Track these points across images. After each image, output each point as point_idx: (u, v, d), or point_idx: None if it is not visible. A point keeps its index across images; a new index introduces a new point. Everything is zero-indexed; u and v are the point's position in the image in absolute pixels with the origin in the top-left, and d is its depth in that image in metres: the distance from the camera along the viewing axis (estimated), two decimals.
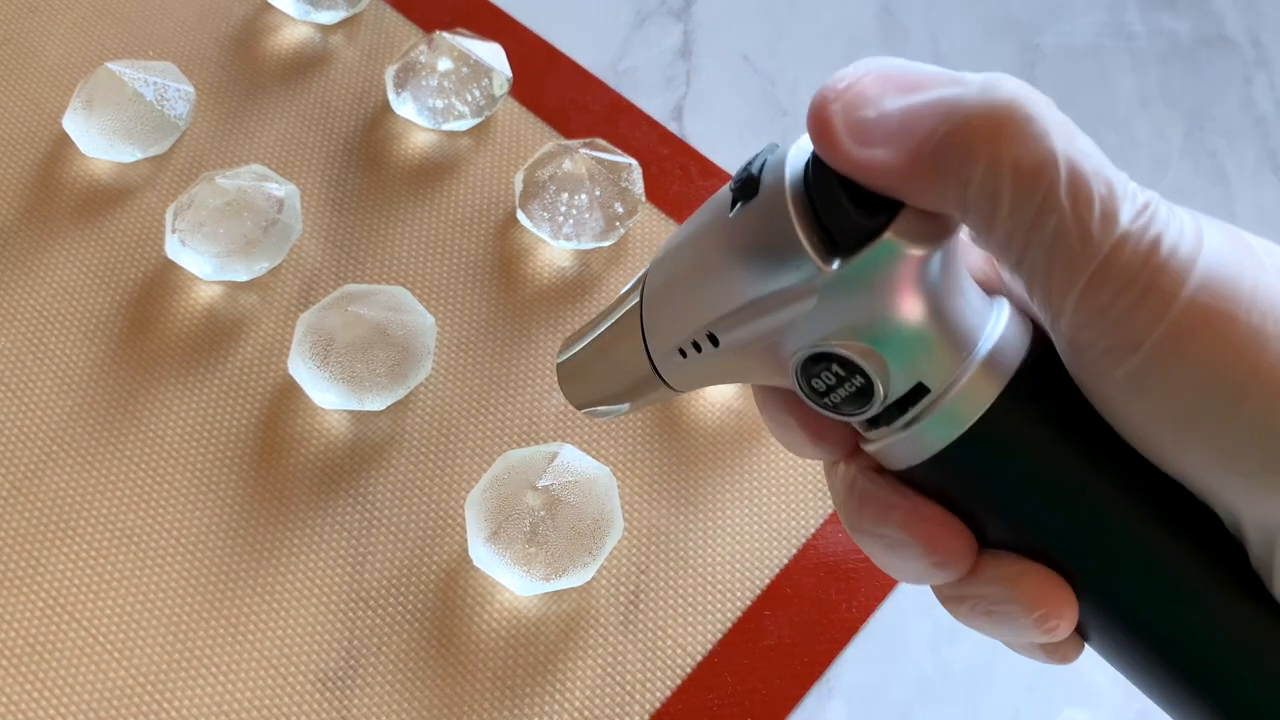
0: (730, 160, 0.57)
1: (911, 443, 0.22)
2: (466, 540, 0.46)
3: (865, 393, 0.22)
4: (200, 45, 0.58)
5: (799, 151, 0.22)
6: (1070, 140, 0.19)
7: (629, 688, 0.44)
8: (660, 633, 0.45)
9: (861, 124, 0.20)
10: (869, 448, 0.24)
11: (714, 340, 0.24)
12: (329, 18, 0.58)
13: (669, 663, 0.45)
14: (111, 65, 0.54)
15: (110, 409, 0.49)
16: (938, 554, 0.23)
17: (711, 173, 0.56)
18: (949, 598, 0.24)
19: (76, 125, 0.53)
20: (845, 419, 0.23)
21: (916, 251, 0.21)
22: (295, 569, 0.46)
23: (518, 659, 0.45)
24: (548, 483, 0.44)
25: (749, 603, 0.46)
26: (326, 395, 0.48)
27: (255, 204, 0.50)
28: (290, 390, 0.49)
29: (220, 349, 0.50)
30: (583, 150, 0.52)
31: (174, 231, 0.50)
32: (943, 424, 0.22)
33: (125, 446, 0.48)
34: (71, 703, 0.43)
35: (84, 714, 0.43)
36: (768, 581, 0.47)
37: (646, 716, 0.44)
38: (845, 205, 0.21)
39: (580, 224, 0.52)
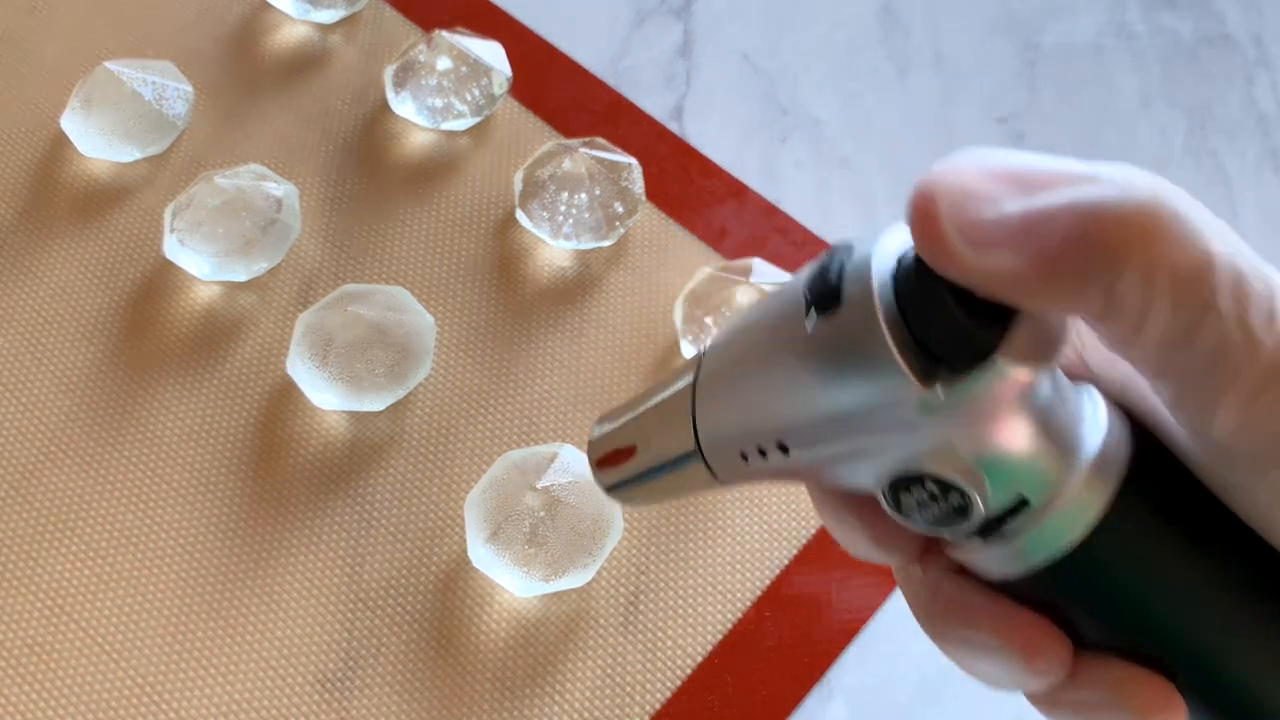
0: (730, 160, 0.57)
1: (1010, 556, 0.21)
2: (466, 541, 0.46)
3: (961, 511, 0.20)
4: (199, 45, 0.58)
5: (883, 254, 0.20)
6: (1224, 238, 0.18)
7: (629, 688, 0.44)
8: (660, 633, 0.45)
9: (977, 225, 0.18)
10: (957, 555, 0.22)
11: (784, 449, 0.22)
12: (328, 17, 0.58)
13: (669, 663, 0.45)
14: (110, 65, 0.53)
15: (108, 409, 0.49)
16: (1037, 661, 0.21)
17: (711, 172, 0.56)
18: (1042, 701, 0.22)
19: (75, 125, 0.53)
20: (933, 534, 0.21)
21: (1028, 371, 0.19)
22: (294, 569, 0.46)
23: (517, 660, 0.45)
24: (547, 483, 0.44)
25: (749, 603, 0.46)
26: (325, 395, 0.47)
27: (254, 203, 0.50)
28: (289, 390, 0.49)
29: (219, 349, 0.50)
30: (582, 150, 0.52)
31: (172, 231, 0.50)
32: (1048, 537, 0.20)
33: (124, 447, 0.48)
34: (70, 703, 0.43)
35: (82, 714, 0.43)
36: (768, 582, 0.46)
37: (646, 717, 0.44)
38: (953, 317, 0.19)
39: (580, 223, 0.52)
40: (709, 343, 0.24)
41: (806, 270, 0.21)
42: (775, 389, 0.21)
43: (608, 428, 0.26)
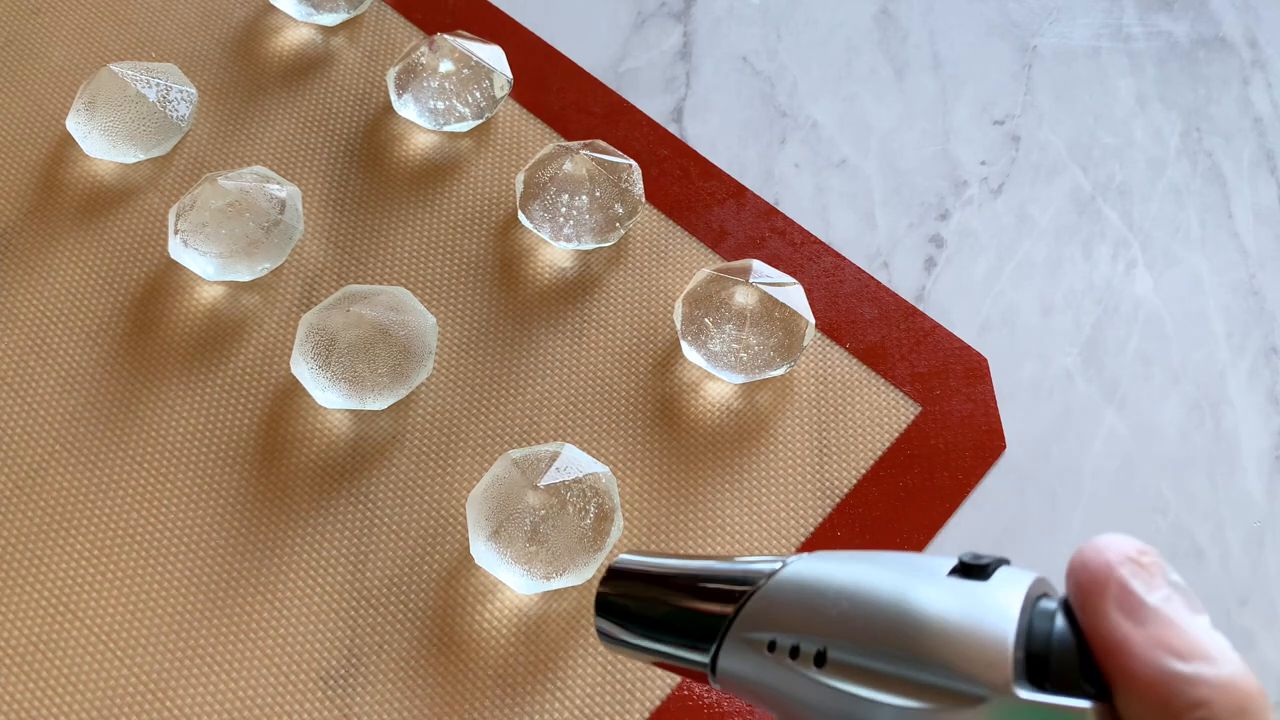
0: (729, 161, 0.57)
1: None
2: (468, 539, 0.46)
3: None
4: (202, 47, 0.58)
5: (1036, 584, 0.22)
6: None
7: (629, 685, 0.45)
8: None
9: (1139, 604, 0.21)
10: None
11: (820, 660, 0.22)
12: (331, 19, 0.58)
13: None
14: (114, 67, 0.54)
15: (113, 409, 0.49)
16: None
17: (710, 173, 0.56)
18: None
19: (79, 126, 0.53)
20: None
21: None
22: (297, 568, 0.46)
23: (519, 657, 0.45)
24: (548, 482, 0.44)
25: None
26: (328, 395, 0.48)
27: (257, 205, 0.50)
28: (292, 390, 0.50)
29: (222, 349, 0.50)
30: (583, 151, 0.52)
31: (176, 232, 0.50)
32: None
33: (128, 446, 0.48)
34: (74, 701, 0.43)
35: (87, 712, 0.43)
36: None
37: (646, 714, 0.44)
38: (1077, 653, 0.21)
39: (580, 224, 0.52)
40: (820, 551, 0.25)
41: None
42: (876, 604, 0.22)
43: (633, 565, 0.26)
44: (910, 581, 0.22)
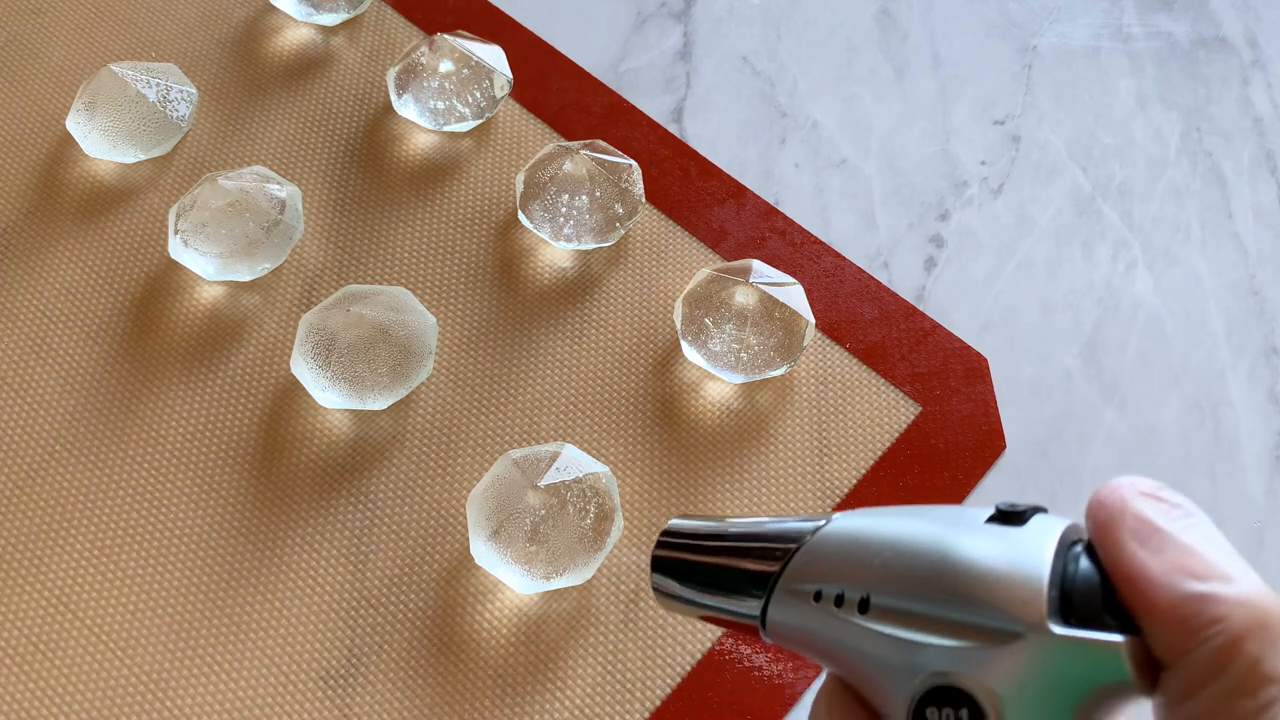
0: (729, 161, 0.57)
1: None
2: (468, 539, 0.46)
3: None
4: (202, 47, 0.58)
5: (1070, 529, 0.23)
6: None
7: (629, 685, 0.45)
8: (660, 631, 0.46)
9: (1154, 531, 0.22)
10: None
11: (864, 606, 0.23)
12: (331, 19, 0.58)
13: (669, 660, 0.45)
14: (114, 67, 0.54)
15: (113, 408, 0.49)
16: None
17: (710, 173, 0.56)
18: None
19: (79, 126, 0.53)
20: None
21: (1127, 679, 0.21)
22: (297, 567, 0.46)
23: (519, 657, 0.45)
24: (548, 482, 0.44)
25: None
26: (328, 395, 0.48)
27: (257, 205, 0.51)
28: (292, 390, 0.50)
29: (223, 349, 0.50)
30: (583, 151, 0.52)
31: (176, 232, 0.50)
32: None
33: (128, 446, 0.48)
34: (74, 701, 0.43)
35: (87, 712, 0.43)
36: None
37: (646, 714, 0.44)
38: (1101, 590, 0.22)
39: (580, 224, 0.52)
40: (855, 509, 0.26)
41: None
42: (914, 549, 0.23)
43: (688, 525, 0.28)
44: (949, 530, 0.23)
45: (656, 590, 0.28)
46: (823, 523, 0.26)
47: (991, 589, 0.22)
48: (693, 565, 0.27)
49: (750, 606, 0.26)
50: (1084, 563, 0.22)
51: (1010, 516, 0.23)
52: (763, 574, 0.26)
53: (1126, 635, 0.21)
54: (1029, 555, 0.22)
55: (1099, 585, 0.22)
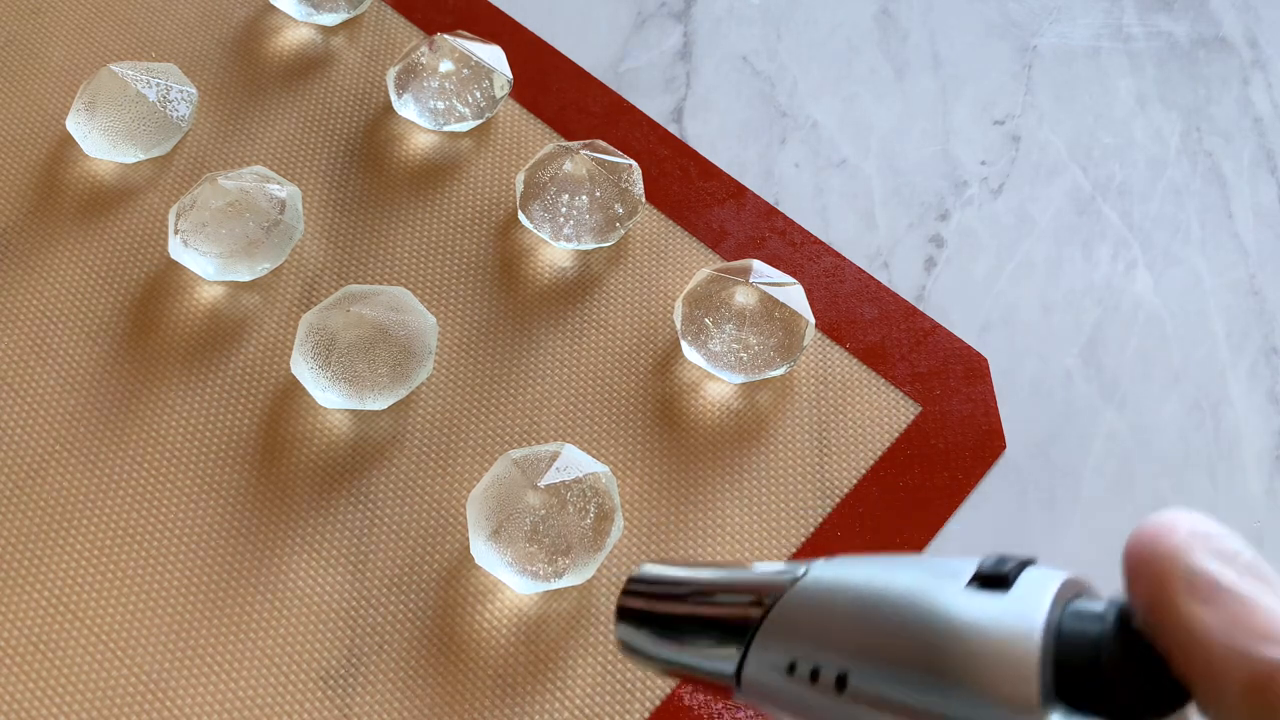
0: (729, 161, 0.57)
1: None
2: (468, 539, 0.46)
3: None
4: (202, 47, 0.58)
5: (1066, 585, 0.20)
6: None
7: (629, 685, 0.45)
8: None
9: (1213, 588, 0.19)
10: None
11: (841, 685, 0.21)
12: (331, 19, 0.58)
13: None
14: (114, 67, 0.54)
15: (113, 408, 0.49)
16: None
17: (710, 173, 0.56)
18: None
19: (79, 126, 0.53)
20: None
21: None
22: (297, 567, 0.46)
23: (518, 657, 0.45)
24: (548, 482, 0.44)
25: None
26: (328, 395, 0.48)
27: (257, 205, 0.51)
28: (292, 390, 0.50)
29: (222, 349, 0.51)
30: (583, 151, 0.52)
31: (176, 232, 0.50)
32: None
33: (128, 446, 0.48)
34: (74, 701, 0.43)
35: (86, 712, 0.43)
36: None
37: (646, 714, 0.44)
38: (1140, 674, 0.19)
39: (580, 224, 0.52)
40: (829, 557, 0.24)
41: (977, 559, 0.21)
42: (890, 617, 0.21)
43: (654, 575, 0.26)
44: (929, 597, 0.21)
45: (622, 643, 0.26)
46: (801, 572, 0.23)
47: (977, 673, 0.20)
48: (662, 616, 0.25)
49: (724, 664, 0.24)
50: (1089, 627, 0.20)
51: (993, 579, 0.20)
52: (737, 629, 0.24)
53: (1152, 712, 0.19)
54: (1016, 629, 0.19)
55: (1113, 655, 0.19)
